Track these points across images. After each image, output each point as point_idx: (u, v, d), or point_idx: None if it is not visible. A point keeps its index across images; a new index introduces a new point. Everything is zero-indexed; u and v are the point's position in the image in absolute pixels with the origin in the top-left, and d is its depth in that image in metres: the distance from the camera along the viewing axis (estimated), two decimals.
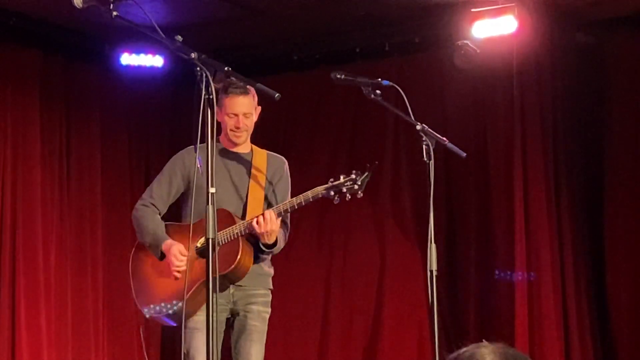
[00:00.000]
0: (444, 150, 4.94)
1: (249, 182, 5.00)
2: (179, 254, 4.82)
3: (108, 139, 8.07)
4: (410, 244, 7.73)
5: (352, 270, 7.98)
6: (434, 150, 4.70)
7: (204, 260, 3.77)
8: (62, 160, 7.74)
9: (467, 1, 6.94)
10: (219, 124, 4.91)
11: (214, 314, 3.67)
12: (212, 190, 3.70)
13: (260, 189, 5.01)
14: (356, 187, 4.73)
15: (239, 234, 4.81)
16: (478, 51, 7.05)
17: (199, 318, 4.67)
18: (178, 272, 4.82)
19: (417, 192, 7.57)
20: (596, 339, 7.23)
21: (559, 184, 7.25)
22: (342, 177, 4.76)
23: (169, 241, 4.89)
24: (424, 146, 4.70)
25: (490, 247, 7.51)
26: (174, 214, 5.19)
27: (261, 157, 5.10)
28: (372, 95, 4.81)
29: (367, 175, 4.75)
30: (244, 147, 5.08)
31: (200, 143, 3.76)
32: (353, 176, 4.75)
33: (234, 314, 4.99)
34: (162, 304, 4.91)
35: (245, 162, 5.05)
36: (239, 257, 4.78)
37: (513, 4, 6.89)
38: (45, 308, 7.33)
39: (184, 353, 4.75)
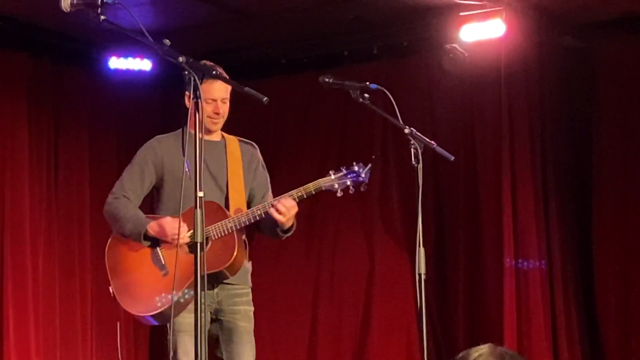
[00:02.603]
0: (432, 153, 4.94)
1: (227, 171, 4.83)
2: (175, 223, 4.47)
3: (96, 143, 8.05)
4: (399, 247, 7.73)
5: (340, 274, 7.98)
6: (422, 153, 4.68)
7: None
8: (50, 164, 7.72)
9: (456, 5, 6.96)
10: (187, 110, 4.41)
11: (203, 315, 3.62)
12: (200, 194, 3.65)
13: (240, 177, 4.85)
14: (361, 179, 4.66)
15: (233, 228, 4.63)
16: (466, 55, 7.08)
17: (184, 320, 4.51)
18: (185, 237, 4.49)
19: (405, 195, 7.58)
20: (584, 339, 7.26)
21: (547, 187, 7.27)
22: (343, 169, 4.69)
23: (154, 222, 4.67)
24: (412, 150, 4.69)
25: (478, 250, 7.52)
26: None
27: (234, 144, 4.92)
28: (361, 99, 4.80)
29: (370, 167, 4.68)
30: (216, 135, 4.89)
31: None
32: (355, 168, 4.67)
33: (218, 315, 4.78)
34: (150, 302, 4.66)
35: (220, 151, 4.87)
36: (235, 252, 4.62)
37: (501, 8, 6.91)
38: (33, 313, 7.30)
39: (171, 355, 4.61)
